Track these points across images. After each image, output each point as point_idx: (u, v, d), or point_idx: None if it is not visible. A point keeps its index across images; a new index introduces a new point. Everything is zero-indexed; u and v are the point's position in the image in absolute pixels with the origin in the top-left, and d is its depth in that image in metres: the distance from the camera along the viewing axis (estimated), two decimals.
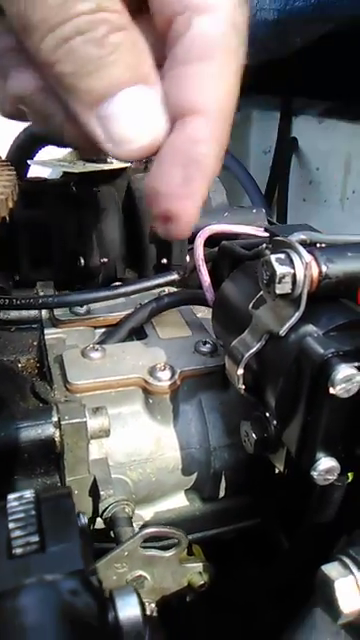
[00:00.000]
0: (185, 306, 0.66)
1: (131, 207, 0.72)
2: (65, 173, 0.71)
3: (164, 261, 0.71)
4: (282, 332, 0.41)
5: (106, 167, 0.68)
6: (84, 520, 0.28)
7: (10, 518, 0.26)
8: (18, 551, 0.25)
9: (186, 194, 0.31)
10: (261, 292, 0.44)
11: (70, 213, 0.69)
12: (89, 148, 0.34)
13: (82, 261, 0.70)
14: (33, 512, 0.26)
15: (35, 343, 0.62)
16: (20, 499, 0.27)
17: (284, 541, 0.58)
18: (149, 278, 0.63)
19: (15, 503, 0.27)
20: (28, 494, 0.28)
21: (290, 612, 0.47)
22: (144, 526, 0.55)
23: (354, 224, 1.27)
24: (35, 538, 0.26)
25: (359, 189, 1.29)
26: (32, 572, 0.23)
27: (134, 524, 0.50)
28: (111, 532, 0.49)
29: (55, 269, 0.71)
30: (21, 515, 0.26)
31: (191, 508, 0.58)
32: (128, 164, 0.71)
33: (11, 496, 0.28)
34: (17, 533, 0.26)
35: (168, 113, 0.31)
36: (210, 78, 0.30)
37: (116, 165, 0.69)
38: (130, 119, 0.30)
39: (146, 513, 0.57)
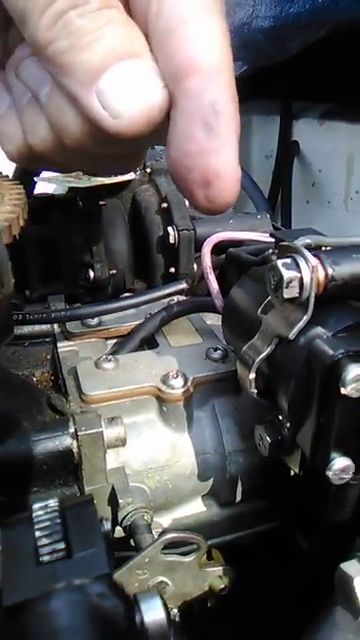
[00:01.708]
0: (194, 313, 0.66)
1: (137, 218, 0.73)
2: (71, 188, 0.72)
3: (172, 270, 0.72)
4: (291, 336, 0.42)
5: (111, 181, 0.69)
6: (107, 526, 0.29)
7: (36, 527, 0.27)
8: (45, 558, 0.26)
9: (218, 145, 0.29)
10: (269, 297, 0.45)
11: (78, 227, 0.70)
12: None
13: (91, 274, 0.71)
14: (58, 520, 0.27)
15: (49, 357, 0.63)
16: (45, 508, 0.28)
17: (302, 543, 0.58)
18: (159, 288, 0.64)
19: (40, 512, 0.28)
20: (52, 503, 0.28)
21: (310, 612, 0.47)
22: (163, 533, 0.56)
23: (359, 224, 1.28)
24: (61, 545, 0.26)
25: None
26: (60, 577, 0.24)
27: (153, 531, 0.51)
28: (131, 540, 0.50)
29: (65, 283, 0.72)
30: (47, 524, 0.27)
31: (209, 514, 0.59)
32: (132, 176, 0.72)
33: (36, 505, 0.28)
34: (44, 541, 0.26)
35: (167, 86, 0.30)
36: (196, 36, 0.29)
37: (121, 178, 0.70)
38: (127, 89, 0.30)
39: (164, 520, 0.57)
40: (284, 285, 0.40)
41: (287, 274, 0.40)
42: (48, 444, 0.47)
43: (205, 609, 0.53)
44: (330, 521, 0.47)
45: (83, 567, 0.25)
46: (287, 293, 0.40)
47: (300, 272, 0.40)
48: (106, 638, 0.22)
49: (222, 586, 0.49)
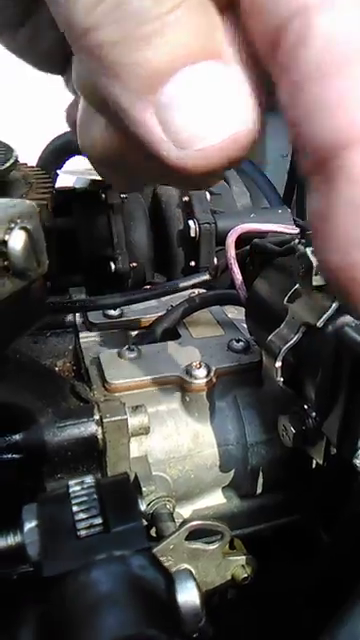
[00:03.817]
0: (215, 306, 0.67)
1: (158, 212, 0.74)
2: (93, 181, 0.73)
3: (192, 264, 0.72)
4: (320, 323, 0.41)
5: None
6: (143, 506, 0.29)
7: (73, 502, 0.27)
8: (83, 533, 0.26)
9: None
10: (296, 286, 0.45)
11: (99, 220, 0.71)
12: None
13: (112, 266, 0.71)
14: (95, 496, 0.27)
15: (70, 347, 0.63)
16: (81, 484, 0.28)
17: (324, 537, 0.58)
18: (182, 279, 0.64)
19: (77, 488, 0.28)
20: (88, 479, 0.29)
21: (327, 607, 0.47)
22: (186, 521, 0.56)
23: None
24: (99, 520, 0.27)
25: None
26: (100, 550, 0.24)
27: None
28: (152, 528, 0.50)
29: (86, 275, 0.72)
30: (84, 499, 0.27)
31: (229, 505, 0.59)
32: None
33: (72, 482, 0.29)
34: (81, 516, 0.27)
35: (308, 153, 0.19)
36: (350, 90, 0.18)
37: None
38: (203, 106, 0.20)
39: (185, 511, 0.57)
40: (313, 272, 0.40)
41: (317, 261, 0.40)
42: (73, 430, 0.48)
43: (225, 599, 0.53)
44: (354, 510, 0.47)
45: (122, 541, 0.25)
46: (316, 280, 0.40)
47: None
48: (147, 608, 0.22)
49: (245, 575, 0.49)
